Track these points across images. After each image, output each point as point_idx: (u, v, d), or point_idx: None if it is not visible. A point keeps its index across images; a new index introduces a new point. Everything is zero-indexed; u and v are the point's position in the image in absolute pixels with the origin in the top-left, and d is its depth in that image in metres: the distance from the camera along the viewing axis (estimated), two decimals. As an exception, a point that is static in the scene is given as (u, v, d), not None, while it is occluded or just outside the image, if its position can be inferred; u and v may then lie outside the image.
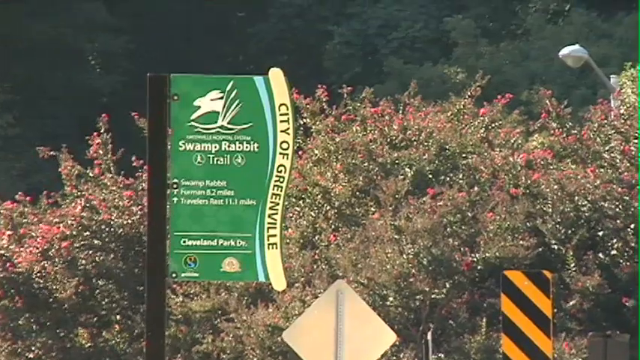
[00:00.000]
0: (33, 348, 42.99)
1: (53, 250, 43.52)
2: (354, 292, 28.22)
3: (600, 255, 41.91)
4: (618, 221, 41.70)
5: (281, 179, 18.75)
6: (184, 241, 18.39)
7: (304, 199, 43.62)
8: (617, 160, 43.93)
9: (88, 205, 45.06)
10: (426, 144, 43.47)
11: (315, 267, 40.23)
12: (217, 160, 18.29)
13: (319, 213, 43.80)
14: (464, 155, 44.32)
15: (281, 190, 18.62)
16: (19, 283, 43.48)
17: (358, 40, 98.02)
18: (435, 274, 40.70)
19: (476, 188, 41.65)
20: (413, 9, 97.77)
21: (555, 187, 41.74)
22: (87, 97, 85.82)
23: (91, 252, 43.94)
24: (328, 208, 43.82)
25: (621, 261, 41.40)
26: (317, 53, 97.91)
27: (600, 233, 42.17)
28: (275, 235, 18.71)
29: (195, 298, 40.92)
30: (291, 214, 40.16)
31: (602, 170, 43.43)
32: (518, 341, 23.70)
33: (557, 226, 41.36)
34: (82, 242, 44.10)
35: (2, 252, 44.11)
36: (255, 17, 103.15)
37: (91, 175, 46.19)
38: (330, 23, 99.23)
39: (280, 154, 18.69)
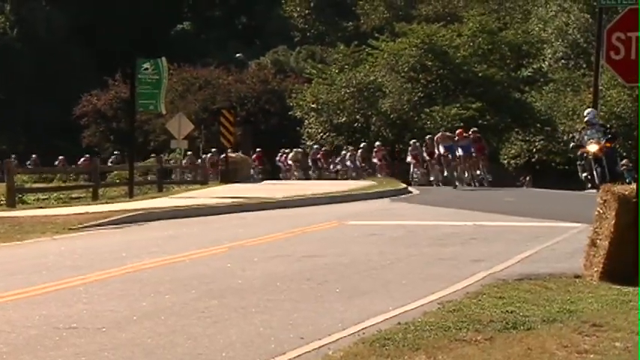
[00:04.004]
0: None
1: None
2: (183, 115, 41.39)
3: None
4: None
5: (165, 83, 32.23)
6: (141, 102, 31.63)
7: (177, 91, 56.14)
8: None
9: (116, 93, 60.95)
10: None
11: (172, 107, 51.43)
12: (149, 80, 31.43)
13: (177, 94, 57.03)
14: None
15: (164, 87, 32.30)
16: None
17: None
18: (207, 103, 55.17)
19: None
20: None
21: None
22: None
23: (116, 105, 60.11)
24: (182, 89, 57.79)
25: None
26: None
27: None
28: (162, 96, 32.49)
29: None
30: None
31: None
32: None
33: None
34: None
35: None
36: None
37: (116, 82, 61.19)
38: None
39: (165, 78, 31.99)
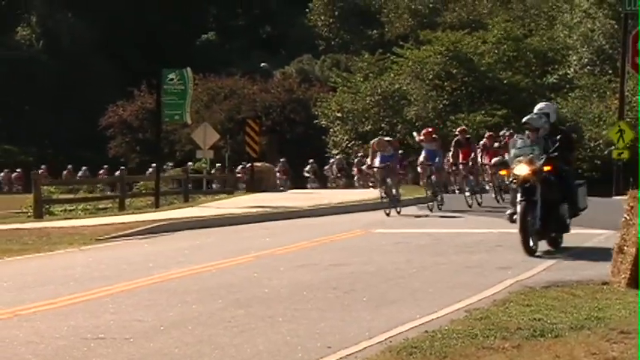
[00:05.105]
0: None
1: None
2: (209, 125, 41.67)
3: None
4: None
5: (190, 93, 32.16)
6: (167, 112, 31.62)
7: (202, 101, 54.66)
8: None
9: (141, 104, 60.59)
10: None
11: (197, 117, 51.25)
12: (174, 91, 31.39)
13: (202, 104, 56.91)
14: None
15: (189, 97, 32.20)
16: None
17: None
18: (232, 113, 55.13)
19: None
20: None
21: None
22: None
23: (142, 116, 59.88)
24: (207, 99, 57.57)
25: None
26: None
27: None
28: (188, 107, 32.46)
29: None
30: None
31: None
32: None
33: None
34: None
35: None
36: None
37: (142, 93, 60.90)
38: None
39: (190, 88, 31.92)
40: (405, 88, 50.39)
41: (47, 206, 28.70)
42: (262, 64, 68.11)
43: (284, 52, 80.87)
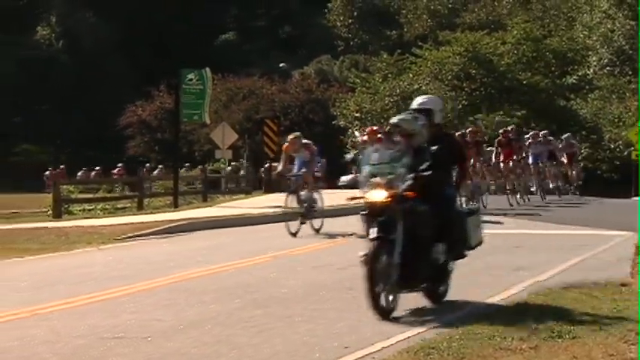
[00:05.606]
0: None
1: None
2: (227, 124, 41.83)
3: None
4: None
5: (209, 93, 32.13)
6: (186, 112, 31.68)
7: (221, 101, 53.27)
8: None
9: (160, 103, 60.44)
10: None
11: (216, 117, 51.02)
12: (193, 91, 31.34)
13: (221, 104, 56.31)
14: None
15: (208, 97, 32.26)
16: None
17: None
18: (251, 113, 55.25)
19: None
20: None
21: None
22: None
23: (160, 116, 60.93)
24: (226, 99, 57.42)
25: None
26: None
27: None
28: (207, 107, 32.37)
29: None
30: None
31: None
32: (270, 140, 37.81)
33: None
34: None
35: None
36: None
37: (161, 93, 60.79)
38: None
39: (209, 88, 31.94)
40: (423, 88, 50.21)
41: (66, 206, 28.85)
42: (281, 65, 68.07)
43: (303, 53, 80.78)
